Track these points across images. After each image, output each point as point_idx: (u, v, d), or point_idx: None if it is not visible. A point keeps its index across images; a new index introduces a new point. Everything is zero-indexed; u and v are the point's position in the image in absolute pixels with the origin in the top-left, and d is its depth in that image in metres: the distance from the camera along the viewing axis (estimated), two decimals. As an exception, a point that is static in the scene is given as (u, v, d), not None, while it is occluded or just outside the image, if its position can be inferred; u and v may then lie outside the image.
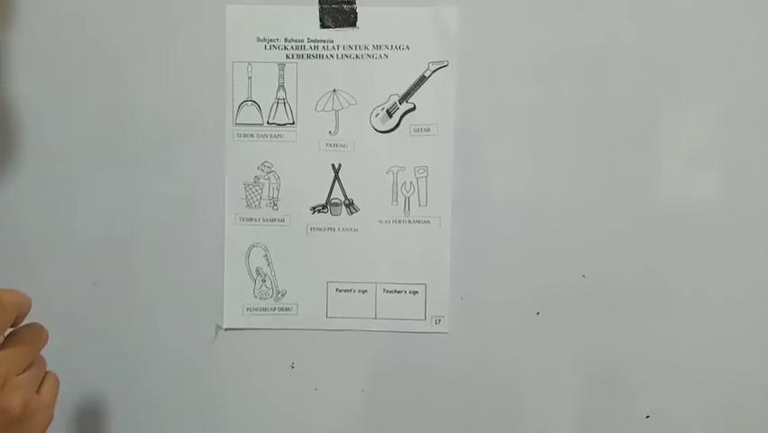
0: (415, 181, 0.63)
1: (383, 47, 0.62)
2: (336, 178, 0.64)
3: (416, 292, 0.64)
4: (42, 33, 0.63)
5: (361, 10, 0.62)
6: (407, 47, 0.62)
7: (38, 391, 0.45)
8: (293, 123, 0.63)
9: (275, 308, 0.65)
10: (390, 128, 0.63)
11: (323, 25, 0.62)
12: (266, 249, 0.64)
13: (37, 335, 0.46)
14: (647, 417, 0.64)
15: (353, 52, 0.62)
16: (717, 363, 0.63)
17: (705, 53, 0.61)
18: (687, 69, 0.61)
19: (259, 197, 0.64)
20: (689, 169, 0.62)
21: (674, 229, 0.62)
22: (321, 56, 0.62)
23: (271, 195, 0.64)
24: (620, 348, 0.63)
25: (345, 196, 0.64)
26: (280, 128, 0.63)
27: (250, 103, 0.63)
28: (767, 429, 0.63)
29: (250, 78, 0.63)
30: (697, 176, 0.62)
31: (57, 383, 0.48)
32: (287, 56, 0.63)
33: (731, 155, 0.62)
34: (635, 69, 0.61)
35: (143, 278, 0.65)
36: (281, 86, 0.63)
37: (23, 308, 0.44)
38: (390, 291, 0.64)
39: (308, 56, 0.63)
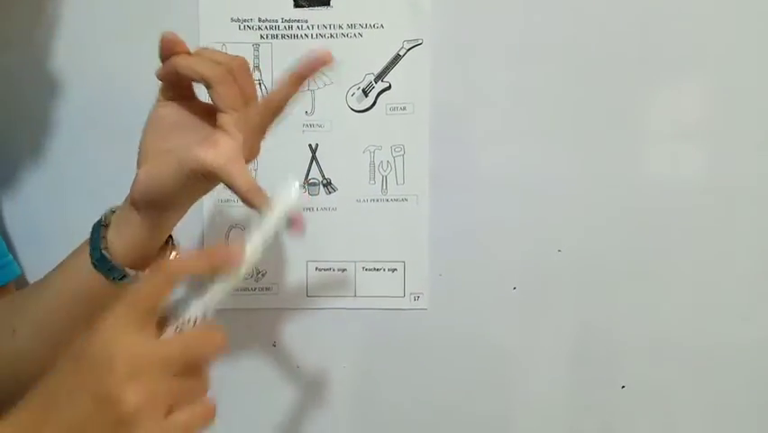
0: (392, 160, 0.64)
1: (357, 26, 0.62)
2: (314, 158, 0.64)
3: (395, 270, 0.65)
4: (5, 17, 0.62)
5: (334, -12, 0.62)
6: (382, 25, 0.62)
7: (173, 411, 0.36)
8: (269, 103, 0.63)
9: (255, 288, 0.65)
10: (366, 107, 0.63)
11: (296, 5, 0.62)
12: (245, 230, 0.65)
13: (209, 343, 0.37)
14: (623, 387, 0.65)
15: (328, 32, 0.62)
16: (693, 335, 0.64)
17: (687, 28, 0.61)
18: (667, 46, 0.61)
19: (237, 178, 0.64)
20: (665, 145, 0.63)
21: (649, 204, 0.63)
22: (295, 36, 0.62)
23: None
24: (595, 321, 0.64)
25: (323, 176, 0.64)
26: (257, 109, 0.63)
27: (225, 84, 0.63)
28: (743, 398, 0.65)
29: (224, 58, 0.62)
30: (672, 152, 0.63)
31: (204, 417, 0.37)
32: (261, 36, 0.62)
33: (708, 131, 0.62)
34: (613, 45, 0.61)
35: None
36: (256, 66, 0.63)
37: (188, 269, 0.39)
38: (369, 269, 0.65)
39: (283, 36, 0.62)
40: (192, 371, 0.36)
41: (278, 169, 0.64)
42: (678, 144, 0.63)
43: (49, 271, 0.51)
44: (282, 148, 0.63)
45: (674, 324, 0.64)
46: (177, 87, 0.47)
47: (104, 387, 0.34)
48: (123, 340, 0.35)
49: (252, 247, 0.41)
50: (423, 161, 0.63)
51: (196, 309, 0.39)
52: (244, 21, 0.62)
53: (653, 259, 0.63)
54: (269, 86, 0.63)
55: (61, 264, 0.50)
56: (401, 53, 0.62)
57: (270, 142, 0.63)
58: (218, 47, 0.62)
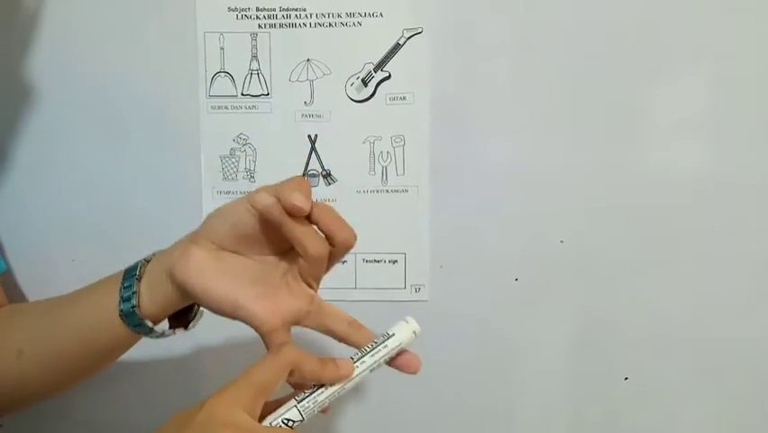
0: (392, 151, 0.63)
1: (356, 14, 0.61)
2: (313, 148, 0.63)
3: (396, 261, 0.64)
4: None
5: (333, -23, 0.61)
6: (381, 14, 0.61)
7: None
8: (267, 94, 0.62)
9: (255, 281, 0.65)
10: (366, 97, 0.62)
11: (294, -7, 0.61)
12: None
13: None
14: (626, 379, 0.65)
15: (326, 20, 0.61)
16: (695, 326, 0.64)
17: (690, 20, 0.60)
18: (670, 37, 0.60)
19: (235, 169, 0.64)
20: (667, 136, 0.62)
21: (652, 194, 0.62)
22: (294, 25, 0.62)
23: (248, 167, 0.63)
24: (597, 312, 0.64)
25: (322, 167, 0.64)
26: (255, 99, 0.63)
27: (223, 74, 0.62)
28: (744, 390, 0.64)
29: (222, 48, 0.62)
30: (675, 143, 0.62)
31: None
32: (259, 25, 0.62)
33: (711, 124, 0.61)
34: (615, 35, 0.61)
35: (123, 255, 0.64)
36: (254, 56, 0.62)
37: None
38: (370, 261, 0.64)
39: (281, 25, 0.62)
40: None
41: (278, 159, 0.63)
42: (681, 136, 0.62)
43: (63, 296, 0.50)
44: (281, 138, 0.63)
45: (677, 315, 0.64)
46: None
47: None
48: (235, 416, 0.38)
49: (362, 370, 0.44)
50: (423, 152, 0.63)
51: (292, 412, 0.42)
52: (242, 10, 0.61)
53: (655, 250, 0.63)
54: (267, 76, 0.62)
55: (81, 296, 0.49)
56: (401, 42, 0.61)
57: (269, 133, 0.63)
58: (216, 36, 0.62)
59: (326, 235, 0.43)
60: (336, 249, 0.44)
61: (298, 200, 0.41)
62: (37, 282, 0.65)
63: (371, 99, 0.62)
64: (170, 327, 0.48)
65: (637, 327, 0.64)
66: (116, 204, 0.64)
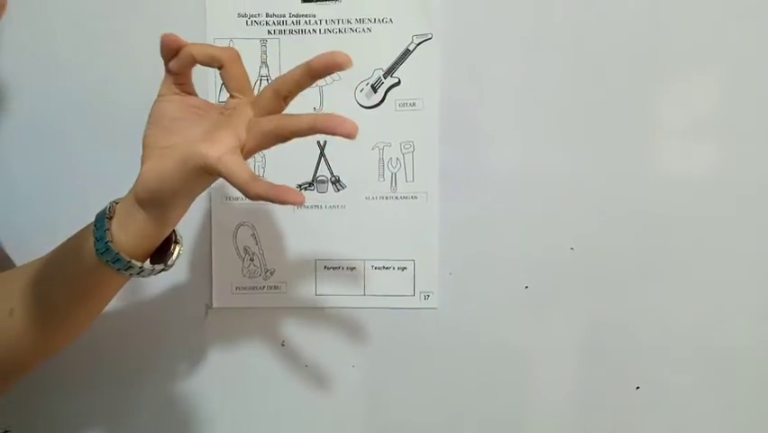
0: (401, 157, 0.63)
1: (366, 20, 0.61)
2: (322, 155, 0.63)
3: (405, 268, 0.64)
4: (16, 10, 0.62)
5: (342, -17, 0.61)
6: (391, 20, 0.61)
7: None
8: (277, 100, 0.62)
9: (264, 287, 0.64)
10: (375, 103, 0.62)
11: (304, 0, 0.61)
12: (253, 228, 0.64)
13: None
14: (637, 388, 0.64)
15: (336, 27, 0.61)
16: (707, 335, 0.63)
17: (698, 23, 0.60)
18: (679, 41, 0.60)
19: (244, 175, 0.63)
20: (677, 142, 0.61)
21: (662, 202, 0.62)
22: (303, 31, 0.61)
23: (257, 173, 0.63)
24: (608, 320, 0.63)
25: (332, 173, 0.63)
26: (264, 105, 0.62)
27: (232, 80, 0.62)
28: (757, 399, 0.64)
29: (231, 54, 0.62)
30: (686, 149, 0.62)
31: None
32: (268, 32, 0.62)
33: (721, 128, 0.61)
34: (625, 40, 0.60)
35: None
36: (264, 62, 0.62)
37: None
38: (379, 268, 0.64)
39: (290, 31, 0.62)
40: None
41: (287, 165, 0.63)
42: (691, 142, 0.61)
43: (47, 253, 0.51)
44: (290, 144, 0.63)
45: (689, 323, 0.63)
46: (180, 82, 0.49)
47: None
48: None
49: None
50: (433, 158, 0.62)
51: None
52: (252, 16, 0.62)
53: (666, 257, 0.62)
54: (276, 82, 0.62)
55: (62, 248, 0.51)
56: (410, 48, 0.61)
57: (278, 140, 0.63)
58: (225, 42, 0.62)
59: (210, 60, 0.48)
60: (226, 65, 0.48)
61: (167, 35, 0.48)
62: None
63: (381, 105, 0.62)
64: (151, 264, 0.50)
65: (648, 335, 0.63)
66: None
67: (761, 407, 0.64)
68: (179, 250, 0.51)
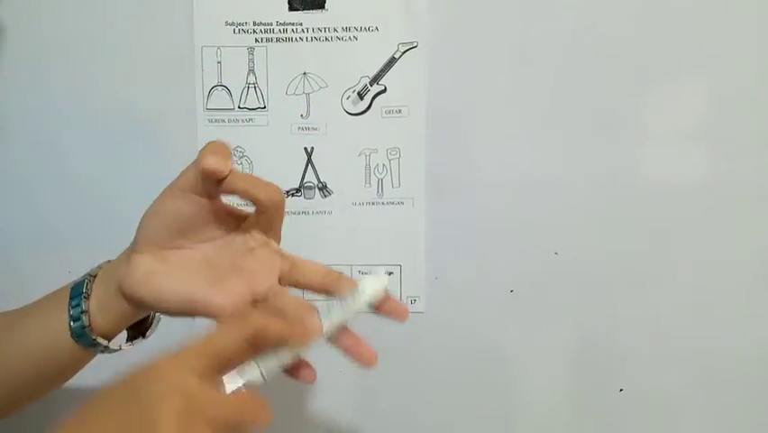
0: (387, 163, 0.63)
1: (352, 29, 0.62)
2: (309, 161, 0.64)
3: (392, 273, 0.64)
4: (7, 17, 0.62)
5: (329, -8, 0.62)
6: (377, 28, 0.62)
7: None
8: (264, 107, 0.63)
9: (251, 293, 0.65)
10: (362, 110, 0.63)
11: (291, 8, 0.62)
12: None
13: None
14: (621, 390, 0.65)
15: (323, 35, 0.62)
16: (692, 338, 0.64)
17: (685, 29, 0.60)
18: (666, 48, 0.61)
19: (232, 182, 0.64)
20: (663, 148, 0.62)
21: (647, 206, 0.62)
22: (290, 39, 0.62)
23: (244, 178, 0.64)
24: (593, 324, 0.64)
25: (318, 179, 0.64)
26: (252, 112, 0.63)
27: (220, 88, 0.63)
28: (742, 401, 0.64)
29: (219, 62, 0.62)
30: (671, 155, 0.62)
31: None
32: (256, 39, 0.62)
33: (707, 133, 0.62)
34: (612, 48, 0.61)
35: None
36: (251, 70, 0.62)
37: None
38: (366, 273, 0.64)
39: (278, 39, 0.62)
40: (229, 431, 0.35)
41: (274, 172, 0.63)
42: (677, 147, 0.62)
43: (15, 312, 0.47)
44: (278, 151, 0.64)
45: (673, 327, 0.64)
46: (211, 186, 0.41)
47: (149, 423, 0.32)
48: (187, 382, 0.33)
49: (330, 326, 0.41)
50: (419, 164, 0.63)
51: (252, 373, 0.38)
52: (239, 24, 0.62)
53: (651, 262, 0.63)
54: (263, 89, 0.63)
55: (29, 316, 0.46)
56: (396, 56, 0.62)
57: (266, 146, 0.64)
58: (213, 50, 0.62)
59: (251, 200, 0.41)
60: (266, 211, 0.42)
61: (213, 162, 0.39)
62: (31, 296, 0.65)
63: (367, 112, 0.63)
64: (128, 339, 0.46)
65: (634, 339, 0.64)
66: (113, 217, 0.64)
67: (745, 409, 0.64)
68: (158, 319, 0.47)
